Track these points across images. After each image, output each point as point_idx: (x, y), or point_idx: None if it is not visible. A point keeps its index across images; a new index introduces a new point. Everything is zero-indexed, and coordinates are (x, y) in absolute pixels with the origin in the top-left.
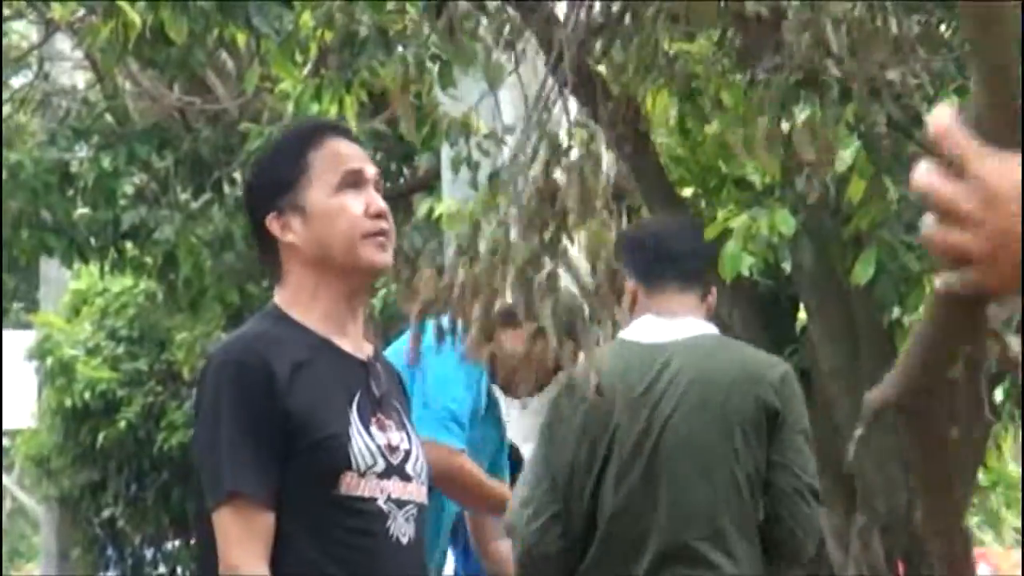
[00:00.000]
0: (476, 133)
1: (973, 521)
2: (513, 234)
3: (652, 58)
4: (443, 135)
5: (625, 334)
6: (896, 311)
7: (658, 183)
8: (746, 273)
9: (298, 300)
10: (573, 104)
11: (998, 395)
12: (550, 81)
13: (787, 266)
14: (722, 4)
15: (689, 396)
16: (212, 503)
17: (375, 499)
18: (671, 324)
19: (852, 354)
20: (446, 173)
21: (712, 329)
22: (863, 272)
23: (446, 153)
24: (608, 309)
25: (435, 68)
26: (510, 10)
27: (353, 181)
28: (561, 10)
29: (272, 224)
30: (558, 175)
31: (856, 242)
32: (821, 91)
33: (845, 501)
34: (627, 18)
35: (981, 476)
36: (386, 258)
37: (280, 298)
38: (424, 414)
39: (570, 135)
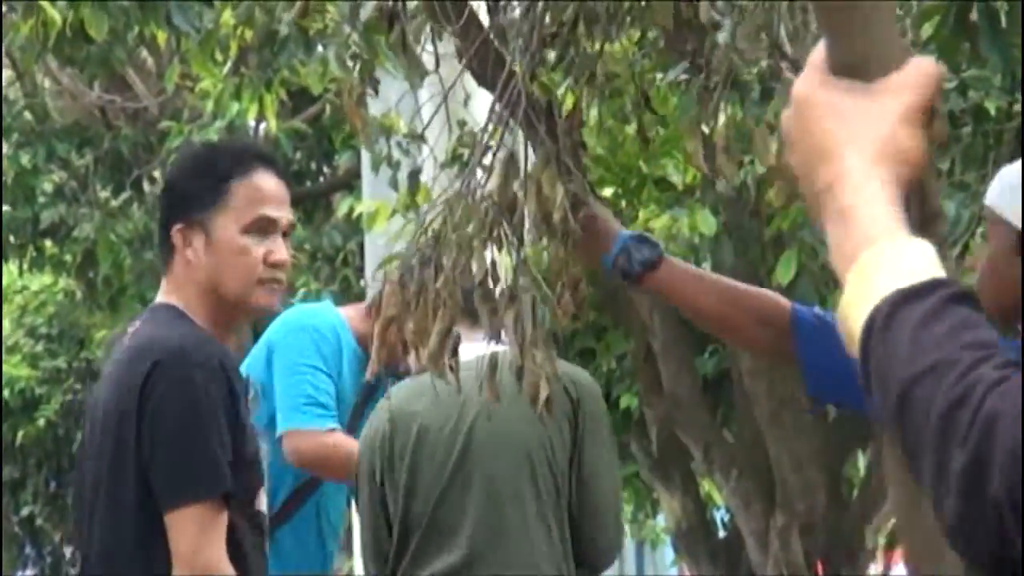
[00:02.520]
0: (396, 132)
1: None
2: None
3: (584, 61)
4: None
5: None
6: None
7: (578, 183)
8: None
9: (195, 310)
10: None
11: None
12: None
13: (708, 266)
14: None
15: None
16: (183, 500)
17: (262, 512)
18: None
19: None
20: (366, 172)
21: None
22: (784, 272)
23: (366, 152)
24: (567, 319)
25: (356, 67)
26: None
27: (264, 227)
28: (482, 10)
29: (176, 234)
30: (482, 178)
31: (777, 242)
32: (741, 91)
33: (764, 502)
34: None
35: None
36: (274, 302)
37: (178, 300)
38: (280, 406)
39: (486, 132)
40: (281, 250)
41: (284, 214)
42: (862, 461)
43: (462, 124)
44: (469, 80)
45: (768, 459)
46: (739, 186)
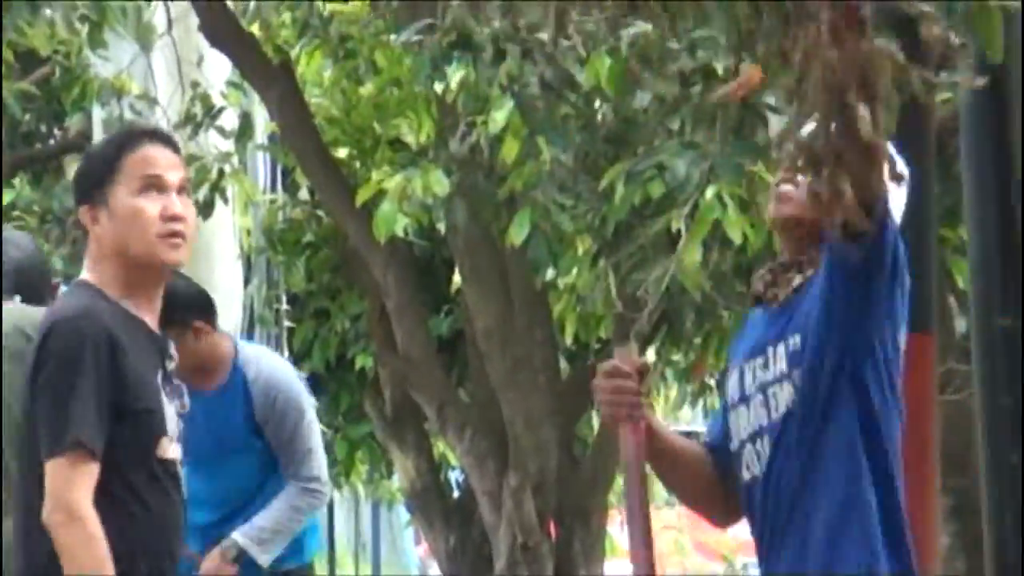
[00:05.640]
0: (128, 94)
1: None
2: None
3: (307, 18)
4: (94, 96)
5: None
6: (550, 272)
7: (312, 144)
8: (400, 234)
9: (108, 282)
10: (227, 64)
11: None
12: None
13: (442, 227)
14: None
15: None
16: (52, 451)
17: (175, 461)
18: None
19: (506, 314)
20: (97, 134)
21: None
22: (517, 233)
23: (98, 114)
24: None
25: (84, 29)
26: None
27: (153, 185)
28: None
29: (83, 214)
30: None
31: (510, 203)
32: (475, 52)
33: (498, 461)
34: None
35: None
36: (178, 255)
37: (93, 277)
38: None
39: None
40: (175, 205)
41: (174, 174)
42: (595, 420)
43: (195, 85)
44: (202, 41)
45: (502, 419)
46: (472, 146)
